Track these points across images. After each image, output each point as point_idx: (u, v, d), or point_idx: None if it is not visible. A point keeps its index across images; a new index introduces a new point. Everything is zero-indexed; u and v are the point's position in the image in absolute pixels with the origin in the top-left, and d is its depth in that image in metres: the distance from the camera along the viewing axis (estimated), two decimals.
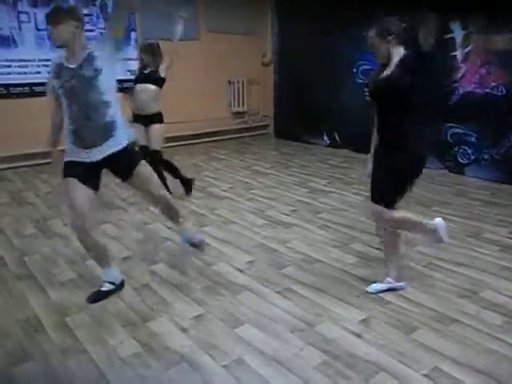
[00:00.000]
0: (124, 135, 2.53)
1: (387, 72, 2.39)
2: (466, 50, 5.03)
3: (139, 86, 4.10)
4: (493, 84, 4.79)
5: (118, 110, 2.49)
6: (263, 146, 7.13)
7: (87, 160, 2.47)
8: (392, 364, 2.07)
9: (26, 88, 5.70)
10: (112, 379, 2.01)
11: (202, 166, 5.73)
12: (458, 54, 5.09)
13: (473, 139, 5.11)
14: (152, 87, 4.07)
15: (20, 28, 5.58)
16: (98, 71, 2.37)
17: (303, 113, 7.09)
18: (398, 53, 2.39)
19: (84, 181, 2.48)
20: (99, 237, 2.70)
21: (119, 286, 2.72)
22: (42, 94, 5.08)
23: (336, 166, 5.77)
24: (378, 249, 3.27)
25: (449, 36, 5.11)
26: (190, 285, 2.79)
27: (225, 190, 4.68)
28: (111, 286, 2.69)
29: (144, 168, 2.63)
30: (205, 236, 3.21)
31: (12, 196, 4.59)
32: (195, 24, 6.64)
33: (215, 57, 6.97)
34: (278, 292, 2.71)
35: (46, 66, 4.83)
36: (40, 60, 5.72)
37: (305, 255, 3.20)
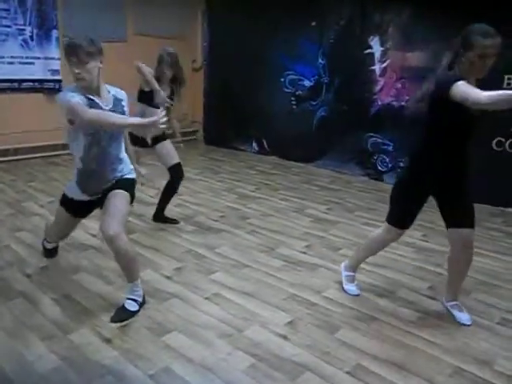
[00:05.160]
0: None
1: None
2: (384, 65, 5.37)
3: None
4: (407, 97, 5.15)
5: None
6: (192, 152, 7.07)
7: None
8: (317, 363, 2.15)
9: None
10: None
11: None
12: (377, 68, 5.42)
13: (390, 148, 5.46)
14: None
15: None
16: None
17: (233, 119, 7.15)
18: None
19: (78, 215, 2.66)
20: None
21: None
22: None
23: (264, 173, 5.87)
24: (303, 253, 3.38)
25: (368, 51, 5.44)
26: (115, 293, 2.69)
27: (151, 196, 4.58)
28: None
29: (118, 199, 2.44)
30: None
31: None
32: (122, 25, 6.47)
33: (142, 60, 6.80)
34: (206, 298, 2.70)
35: None
36: None
37: (233, 260, 3.22)
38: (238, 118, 7.07)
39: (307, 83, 6.20)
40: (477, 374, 2.11)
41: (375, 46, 5.40)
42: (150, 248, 3.37)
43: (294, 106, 6.40)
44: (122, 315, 2.43)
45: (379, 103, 5.45)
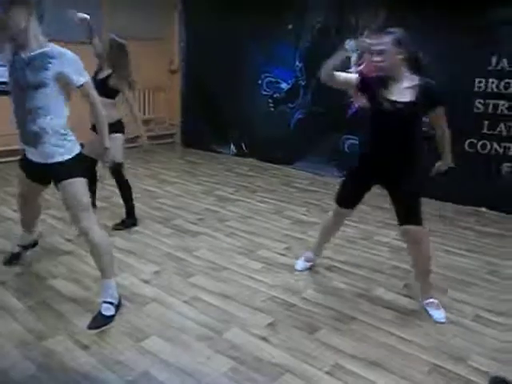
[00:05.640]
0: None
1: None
2: (360, 68, 5.44)
3: None
4: None
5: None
6: (170, 155, 7.03)
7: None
8: (297, 364, 2.16)
9: None
10: None
11: (104, 176, 5.48)
12: (353, 71, 5.49)
13: None
14: None
15: None
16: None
17: (210, 122, 7.13)
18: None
19: (25, 172, 2.61)
20: None
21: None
22: None
23: (242, 175, 5.87)
24: (282, 255, 3.40)
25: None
26: (91, 299, 2.65)
27: None
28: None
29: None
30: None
31: None
32: (98, 26, 6.37)
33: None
34: (185, 301, 2.68)
35: None
36: None
37: (212, 263, 3.21)
38: (215, 120, 7.06)
39: (284, 86, 6.24)
40: (453, 371, 2.15)
41: (351, 49, 5.46)
42: (128, 252, 3.33)
43: (272, 109, 6.43)
44: (100, 322, 2.40)
45: (356, 105, 5.52)
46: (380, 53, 2.43)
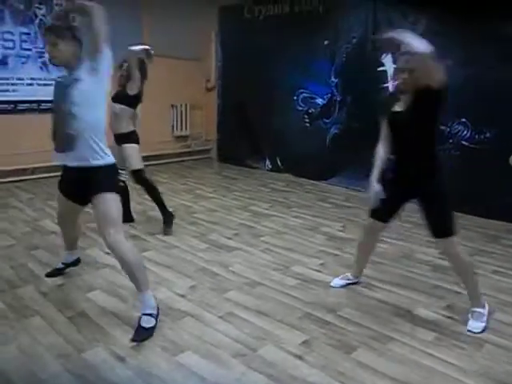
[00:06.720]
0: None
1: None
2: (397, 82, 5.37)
3: None
4: None
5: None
6: (206, 170, 7.14)
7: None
8: None
9: None
10: None
11: (143, 189, 5.61)
12: (390, 85, 5.43)
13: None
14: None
15: None
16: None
17: (246, 137, 7.20)
18: None
19: (65, 193, 2.70)
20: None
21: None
22: None
23: (277, 190, 5.87)
24: (318, 271, 3.35)
25: (381, 69, 5.46)
26: (129, 312, 2.70)
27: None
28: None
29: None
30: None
31: None
32: (138, 44, 6.60)
33: (158, 80, 6.91)
34: (220, 317, 2.68)
35: None
36: None
37: (247, 279, 3.21)
38: (251, 135, 7.13)
39: (320, 101, 6.23)
40: None
41: (388, 64, 5.42)
42: (163, 266, 3.38)
43: (307, 124, 6.43)
44: (142, 334, 2.41)
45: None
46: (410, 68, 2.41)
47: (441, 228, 2.54)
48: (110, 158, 2.52)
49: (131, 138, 3.96)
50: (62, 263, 3.15)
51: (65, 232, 3.02)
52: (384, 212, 2.75)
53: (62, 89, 2.42)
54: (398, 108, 2.57)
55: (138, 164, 3.98)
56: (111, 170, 2.55)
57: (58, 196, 2.76)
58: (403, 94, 2.54)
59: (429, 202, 2.57)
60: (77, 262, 3.20)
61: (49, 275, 3.12)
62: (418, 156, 2.56)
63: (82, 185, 2.50)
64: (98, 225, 2.49)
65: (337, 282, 3.10)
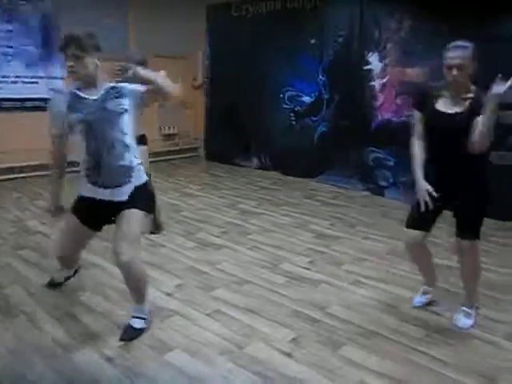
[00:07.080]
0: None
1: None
2: (383, 80, 5.41)
3: None
4: (407, 113, 5.16)
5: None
6: (194, 169, 7.12)
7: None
8: (321, 381, 2.12)
9: None
10: None
11: None
12: (376, 84, 5.46)
13: (391, 163, 5.46)
14: None
15: None
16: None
17: (233, 136, 7.20)
18: None
19: (85, 221, 2.42)
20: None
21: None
22: None
23: (265, 188, 5.88)
24: (306, 269, 3.36)
25: (367, 67, 5.49)
26: (115, 311, 2.68)
27: None
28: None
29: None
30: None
31: None
32: (125, 44, 6.56)
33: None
34: (207, 315, 2.68)
35: None
36: None
37: (235, 277, 3.21)
38: (238, 133, 7.12)
39: (307, 99, 6.25)
40: None
41: (374, 62, 5.45)
42: (151, 264, 3.36)
43: (294, 122, 6.45)
44: (131, 333, 2.40)
45: (380, 118, 5.48)
46: (459, 67, 2.24)
47: (471, 230, 2.47)
48: (144, 177, 2.41)
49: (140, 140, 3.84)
50: (65, 277, 2.94)
51: (65, 266, 2.82)
52: (425, 220, 2.52)
53: (105, 114, 2.22)
54: (442, 107, 2.35)
55: (146, 168, 3.92)
56: (146, 189, 2.42)
57: (67, 223, 2.50)
58: (451, 92, 2.34)
59: (466, 203, 2.45)
60: (75, 272, 3.00)
61: (48, 286, 2.94)
62: (463, 172, 2.39)
63: (111, 205, 2.32)
64: (117, 236, 2.28)
65: (418, 299, 2.85)
